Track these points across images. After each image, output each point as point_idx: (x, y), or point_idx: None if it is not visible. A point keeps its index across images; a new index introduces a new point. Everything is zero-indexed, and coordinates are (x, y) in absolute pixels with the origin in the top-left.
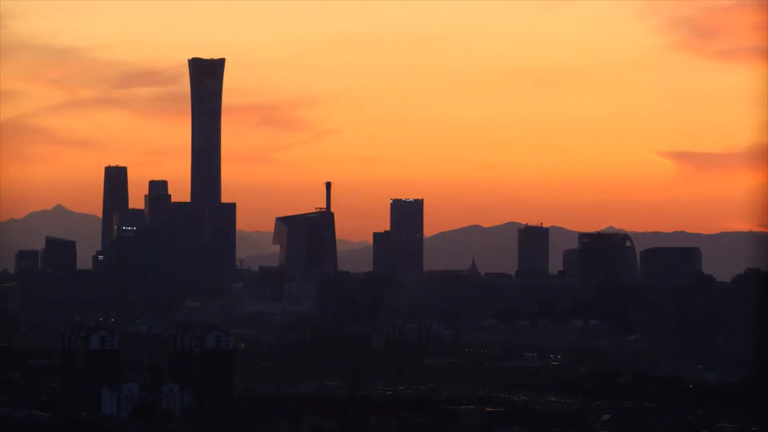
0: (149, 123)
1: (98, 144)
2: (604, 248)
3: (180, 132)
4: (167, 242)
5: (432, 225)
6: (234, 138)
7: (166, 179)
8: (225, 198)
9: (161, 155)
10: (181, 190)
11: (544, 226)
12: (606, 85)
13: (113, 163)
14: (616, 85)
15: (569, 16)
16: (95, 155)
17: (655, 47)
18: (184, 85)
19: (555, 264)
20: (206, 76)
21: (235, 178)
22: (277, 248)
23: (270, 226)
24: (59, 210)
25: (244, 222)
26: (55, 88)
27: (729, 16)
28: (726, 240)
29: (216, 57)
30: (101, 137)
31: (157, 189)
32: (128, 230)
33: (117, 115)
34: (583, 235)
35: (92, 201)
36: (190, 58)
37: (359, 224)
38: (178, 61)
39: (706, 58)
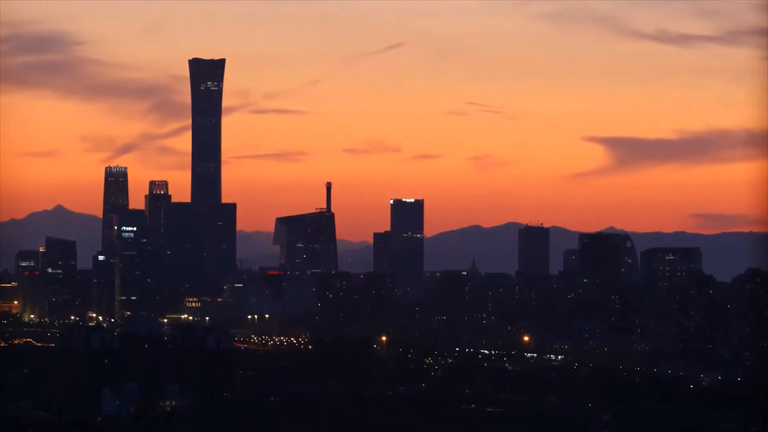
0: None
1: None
2: (604, 248)
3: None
4: (167, 242)
5: (432, 225)
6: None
7: (166, 179)
8: (225, 198)
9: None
10: (181, 191)
11: (544, 226)
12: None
13: (113, 163)
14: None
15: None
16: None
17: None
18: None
19: (555, 264)
20: (207, 75)
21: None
22: (277, 248)
23: (270, 226)
24: (59, 210)
25: (244, 222)
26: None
27: None
28: (726, 240)
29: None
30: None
31: (157, 189)
32: (128, 230)
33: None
34: (583, 235)
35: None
36: (190, 58)
37: (359, 224)
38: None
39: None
